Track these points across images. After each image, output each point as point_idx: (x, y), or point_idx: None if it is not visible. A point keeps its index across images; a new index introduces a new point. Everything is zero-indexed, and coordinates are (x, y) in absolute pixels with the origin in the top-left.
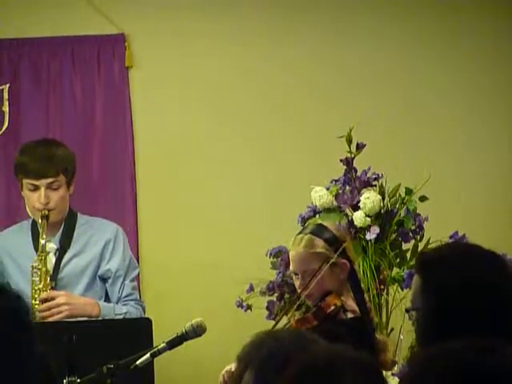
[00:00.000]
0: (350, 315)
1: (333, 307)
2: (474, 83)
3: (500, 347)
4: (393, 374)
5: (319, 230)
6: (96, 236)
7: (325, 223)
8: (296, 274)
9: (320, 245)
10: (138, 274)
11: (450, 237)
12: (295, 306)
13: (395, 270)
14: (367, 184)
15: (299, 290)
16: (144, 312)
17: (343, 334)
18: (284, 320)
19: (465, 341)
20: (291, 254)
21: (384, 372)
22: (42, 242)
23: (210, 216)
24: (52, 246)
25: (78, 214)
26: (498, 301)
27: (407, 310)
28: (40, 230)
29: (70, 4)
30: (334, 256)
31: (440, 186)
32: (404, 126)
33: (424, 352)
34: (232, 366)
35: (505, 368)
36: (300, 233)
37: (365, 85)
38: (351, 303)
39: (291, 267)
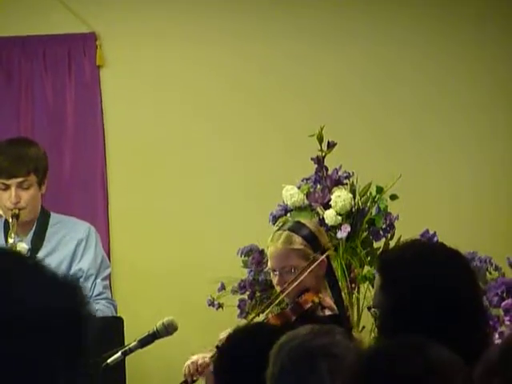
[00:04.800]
0: (327, 312)
1: (310, 304)
2: (448, 79)
3: (426, 348)
4: None
5: (297, 227)
6: (68, 236)
7: (303, 220)
8: (274, 271)
9: (298, 241)
10: (110, 274)
11: (421, 235)
12: (276, 302)
13: (366, 268)
14: (338, 182)
15: (277, 287)
16: (116, 311)
17: None
18: (260, 316)
19: (396, 340)
20: (269, 250)
21: None
22: (11, 241)
23: (182, 215)
24: (24, 246)
25: (51, 214)
26: (451, 302)
27: (369, 308)
28: (11, 229)
29: (42, 3)
30: (311, 252)
31: (410, 185)
32: (375, 124)
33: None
34: (198, 357)
35: (425, 368)
36: (278, 229)
37: (336, 83)
38: (328, 300)
39: (269, 264)
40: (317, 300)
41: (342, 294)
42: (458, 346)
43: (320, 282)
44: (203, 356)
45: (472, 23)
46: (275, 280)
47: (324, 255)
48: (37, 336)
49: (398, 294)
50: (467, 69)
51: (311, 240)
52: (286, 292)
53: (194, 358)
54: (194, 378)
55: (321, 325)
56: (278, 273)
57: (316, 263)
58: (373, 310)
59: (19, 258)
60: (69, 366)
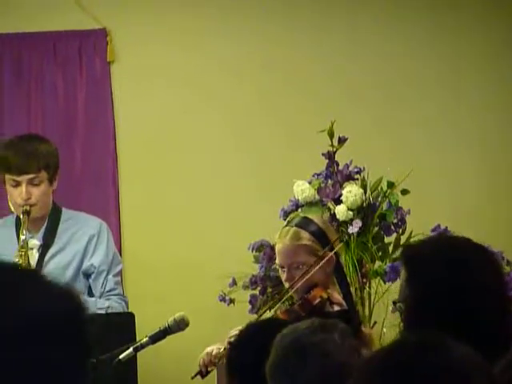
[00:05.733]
0: (336, 308)
1: (319, 299)
2: (456, 75)
3: (446, 345)
4: None
5: (305, 223)
6: (80, 232)
7: (311, 216)
8: (282, 267)
9: (306, 237)
10: (121, 270)
11: (432, 230)
12: (284, 299)
13: (377, 263)
14: (349, 178)
15: (286, 283)
16: (127, 307)
17: None
18: (269, 312)
19: (416, 336)
20: (277, 246)
21: None
22: (22, 237)
23: (193, 211)
24: (35, 243)
25: (63, 209)
26: (476, 298)
27: (394, 303)
28: (22, 226)
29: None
30: (319, 248)
31: (422, 180)
32: (386, 119)
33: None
34: (212, 348)
35: (442, 366)
36: (286, 226)
37: (347, 78)
38: (337, 296)
39: (277, 260)
40: (325, 296)
41: (352, 289)
42: (483, 343)
43: (328, 278)
44: (218, 347)
45: (478, 20)
46: (283, 276)
47: (332, 252)
48: (41, 343)
49: (422, 289)
50: (474, 68)
51: (319, 236)
52: (295, 289)
53: (209, 349)
54: (209, 369)
55: (326, 319)
56: (286, 269)
57: (324, 260)
58: (398, 304)
59: (14, 270)
60: (76, 367)
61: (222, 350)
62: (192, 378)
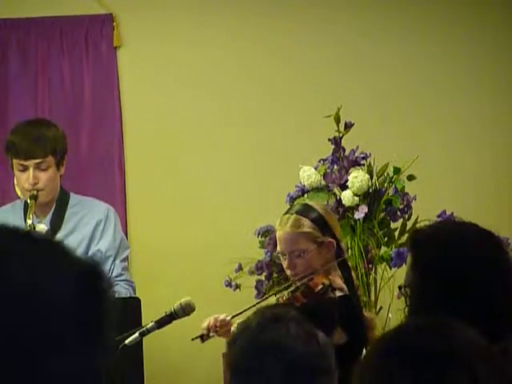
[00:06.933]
0: (338, 293)
1: (321, 286)
2: (461, 62)
3: (450, 329)
4: None
5: (305, 210)
6: (87, 216)
7: (311, 203)
8: (284, 255)
9: (306, 224)
10: (129, 255)
11: (438, 216)
12: (286, 286)
13: (383, 248)
14: (355, 163)
15: (287, 270)
16: (134, 292)
17: (332, 312)
18: (271, 299)
19: (420, 320)
20: (278, 234)
21: None
22: (29, 222)
23: (199, 196)
24: (43, 227)
25: (71, 194)
26: (481, 283)
27: (400, 287)
28: (29, 211)
29: None
30: (320, 235)
31: (428, 165)
32: (392, 104)
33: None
34: (221, 316)
35: (446, 348)
36: (286, 213)
37: (353, 64)
38: (339, 282)
39: (278, 247)
40: (327, 282)
41: (358, 275)
42: (487, 327)
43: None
44: (226, 315)
45: (476, 8)
46: (285, 264)
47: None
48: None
49: (426, 273)
50: (474, 53)
51: (320, 223)
52: (297, 277)
53: (221, 316)
54: (210, 334)
55: (273, 310)
56: (287, 256)
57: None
58: (403, 289)
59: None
60: (93, 342)
61: (228, 318)
62: (192, 339)
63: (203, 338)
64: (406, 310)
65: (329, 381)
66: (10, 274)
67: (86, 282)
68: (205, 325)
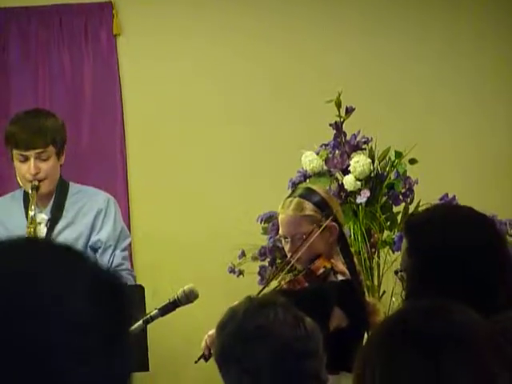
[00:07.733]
0: (340, 277)
1: (322, 269)
2: (462, 46)
3: (450, 311)
4: None
5: (308, 194)
6: (87, 206)
7: (313, 187)
8: (285, 238)
9: (309, 208)
10: (130, 243)
11: (440, 199)
12: (286, 270)
13: (386, 232)
14: (357, 148)
15: (289, 254)
16: (134, 281)
17: (329, 293)
18: (274, 283)
19: (420, 303)
20: (280, 217)
21: None
22: (31, 213)
23: (201, 183)
24: (43, 217)
25: (70, 183)
26: (477, 265)
27: (396, 272)
28: (30, 202)
29: None
30: (323, 219)
31: (430, 149)
32: (393, 88)
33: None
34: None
35: (445, 333)
36: (289, 197)
37: (353, 48)
38: (341, 266)
39: (280, 231)
40: (329, 266)
41: (361, 259)
42: (485, 306)
43: (332, 248)
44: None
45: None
46: (287, 247)
47: (321, 228)
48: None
49: (423, 257)
50: (475, 33)
51: (322, 206)
52: (296, 257)
53: (210, 332)
54: (212, 352)
55: (262, 297)
56: (289, 240)
57: (322, 228)
58: (400, 273)
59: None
60: (114, 337)
61: None
62: (196, 361)
63: (206, 357)
64: (403, 294)
65: (316, 364)
66: (37, 288)
67: (104, 294)
68: (203, 345)
